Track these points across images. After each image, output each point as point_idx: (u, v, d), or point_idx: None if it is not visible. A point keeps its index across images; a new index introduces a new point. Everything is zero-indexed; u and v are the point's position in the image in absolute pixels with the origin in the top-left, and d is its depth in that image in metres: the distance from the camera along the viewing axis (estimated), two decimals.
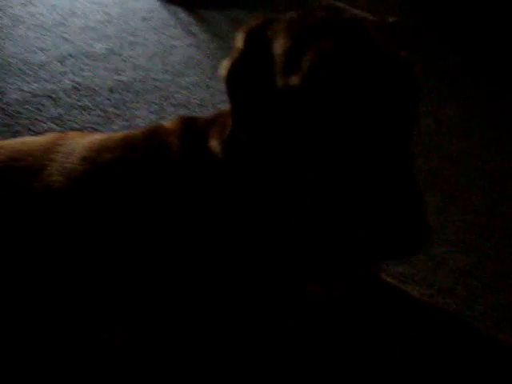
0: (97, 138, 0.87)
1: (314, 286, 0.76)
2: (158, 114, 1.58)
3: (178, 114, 1.58)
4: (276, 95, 0.63)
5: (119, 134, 0.88)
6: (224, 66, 0.72)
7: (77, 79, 1.75)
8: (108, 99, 1.65)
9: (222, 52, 1.97)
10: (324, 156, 0.59)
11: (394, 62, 0.59)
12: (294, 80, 0.60)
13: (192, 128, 0.82)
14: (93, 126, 1.51)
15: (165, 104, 1.63)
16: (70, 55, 1.90)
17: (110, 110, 1.59)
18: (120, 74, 1.80)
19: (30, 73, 1.77)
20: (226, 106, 1.61)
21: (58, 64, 1.84)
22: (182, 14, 2.28)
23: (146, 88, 1.72)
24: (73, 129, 1.49)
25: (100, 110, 1.59)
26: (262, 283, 0.74)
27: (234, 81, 0.70)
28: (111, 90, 1.69)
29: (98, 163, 0.79)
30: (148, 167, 0.78)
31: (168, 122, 0.86)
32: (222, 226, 0.73)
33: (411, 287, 1.08)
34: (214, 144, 0.76)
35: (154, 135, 0.83)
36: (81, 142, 0.85)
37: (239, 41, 0.70)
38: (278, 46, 0.64)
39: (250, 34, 0.69)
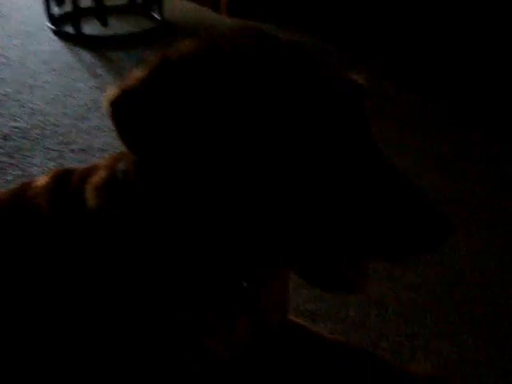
0: None
1: (213, 342, 0.70)
2: (56, 161, 1.48)
3: (78, 159, 1.49)
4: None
5: None
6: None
7: None
8: (1, 147, 1.54)
9: None
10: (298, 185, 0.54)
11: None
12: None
13: (64, 186, 0.70)
14: None
15: (64, 150, 1.54)
16: None
17: (4, 159, 1.48)
18: (16, 121, 1.69)
19: None
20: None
21: None
22: (87, 56, 2.21)
23: (45, 134, 1.62)
24: None
25: None
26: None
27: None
28: (5, 138, 1.58)
29: None
30: (12, 238, 0.69)
31: (40, 179, 0.77)
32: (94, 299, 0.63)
33: (324, 325, 1.04)
34: (90, 198, 0.67)
35: (22, 197, 0.73)
36: None
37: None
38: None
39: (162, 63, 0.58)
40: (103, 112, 1.72)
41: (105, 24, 2.37)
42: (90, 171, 0.71)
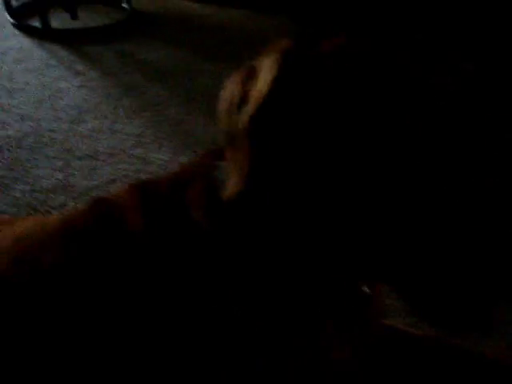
0: (19, 229, 0.68)
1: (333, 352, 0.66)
2: (63, 171, 1.36)
3: (88, 167, 1.38)
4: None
5: (54, 222, 0.69)
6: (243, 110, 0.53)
7: None
8: None
9: (118, 90, 1.80)
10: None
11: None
12: None
13: (154, 198, 0.66)
14: None
15: (69, 157, 1.42)
16: None
17: (4, 173, 1.35)
18: (5, 129, 1.54)
19: None
20: (141, 151, 1.47)
21: None
22: (63, 52, 2.05)
23: (42, 141, 1.49)
24: None
25: None
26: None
27: (264, 129, 0.51)
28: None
29: (37, 271, 0.61)
30: (107, 268, 0.61)
31: (116, 195, 0.70)
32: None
33: (395, 319, 1.03)
34: (199, 214, 0.61)
35: (104, 218, 0.66)
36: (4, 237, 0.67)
37: (268, 68, 0.51)
38: None
39: (285, 59, 0.51)
40: (99, 112, 1.59)
41: (75, 16, 2.21)
42: (176, 182, 0.65)
